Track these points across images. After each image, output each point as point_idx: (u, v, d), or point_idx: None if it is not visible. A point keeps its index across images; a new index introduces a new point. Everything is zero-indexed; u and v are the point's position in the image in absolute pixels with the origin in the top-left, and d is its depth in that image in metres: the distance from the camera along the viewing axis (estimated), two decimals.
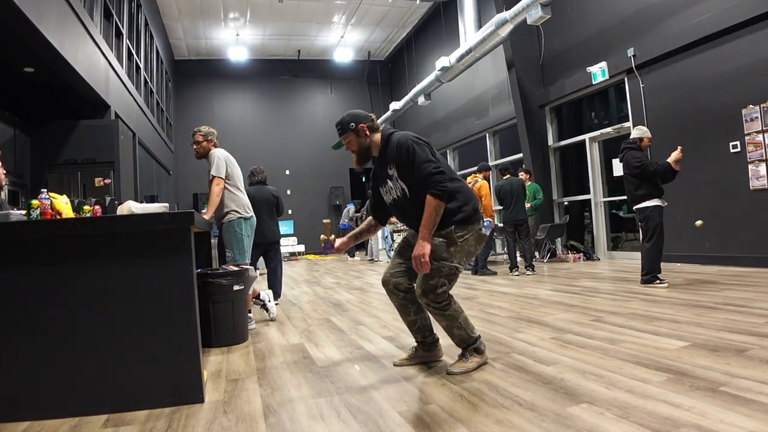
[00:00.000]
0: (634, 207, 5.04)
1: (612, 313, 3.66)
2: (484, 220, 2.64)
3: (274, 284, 5.43)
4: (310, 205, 16.08)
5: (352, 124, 2.56)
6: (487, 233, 2.67)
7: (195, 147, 4.06)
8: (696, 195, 6.17)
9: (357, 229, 2.93)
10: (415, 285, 2.55)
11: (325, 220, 3.20)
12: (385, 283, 2.67)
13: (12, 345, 2.18)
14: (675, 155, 4.81)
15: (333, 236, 3.08)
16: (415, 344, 2.77)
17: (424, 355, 2.73)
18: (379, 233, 11.32)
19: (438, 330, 2.68)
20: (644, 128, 5.16)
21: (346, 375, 2.59)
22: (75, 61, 5.81)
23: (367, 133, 2.58)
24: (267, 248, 5.37)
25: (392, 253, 11.67)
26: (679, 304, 3.85)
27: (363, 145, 2.58)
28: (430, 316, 2.59)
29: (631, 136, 5.13)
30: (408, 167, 2.44)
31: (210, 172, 3.93)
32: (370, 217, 2.90)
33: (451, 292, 2.52)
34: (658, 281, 4.71)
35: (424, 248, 2.36)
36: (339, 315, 4.48)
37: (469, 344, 2.54)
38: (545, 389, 2.15)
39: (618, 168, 7.83)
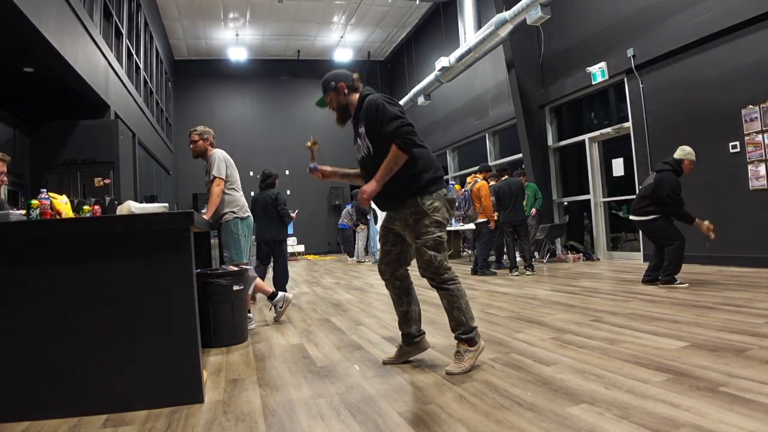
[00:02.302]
0: (635, 218, 4.99)
1: (611, 314, 3.66)
2: (448, 185, 2.70)
3: (277, 282, 5.62)
4: (310, 205, 16.06)
5: (333, 82, 2.68)
6: (453, 195, 2.76)
7: (191, 146, 4.07)
8: (696, 195, 6.17)
9: (347, 170, 2.96)
10: (402, 270, 2.71)
11: (308, 144, 3.10)
12: (382, 273, 2.76)
13: (12, 345, 2.18)
14: (706, 227, 4.72)
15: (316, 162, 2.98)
16: (400, 342, 2.79)
17: (409, 350, 2.76)
18: (364, 233, 11.26)
19: (431, 331, 2.69)
20: (687, 149, 4.91)
21: (346, 375, 2.59)
22: (75, 61, 5.81)
23: (346, 91, 2.68)
24: (268, 246, 5.66)
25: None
26: (679, 304, 3.85)
27: (341, 103, 2.70)
28: (439, 299, 2.62)
29: (675, 156, 4.91)
30: (376, 124, 2.51)
31: (210, 173, 3.93)
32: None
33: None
34: (677, 282, 4.68)
35: (369, 186, 2.50)
36: (339, 315, 4.48)
37: (465, 331, 2.53)
38: (545, 389, 2.15)
39: (618, 167, 7.85)
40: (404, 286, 2.73)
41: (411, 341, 2.75)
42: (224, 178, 3.93)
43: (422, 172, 2.54)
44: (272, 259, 5.76)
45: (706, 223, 4.76)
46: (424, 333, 2.79)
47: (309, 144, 2.88)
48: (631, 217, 5.05)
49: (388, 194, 2.54)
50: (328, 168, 2.85)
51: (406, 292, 2.74)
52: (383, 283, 2.77)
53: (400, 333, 2.78)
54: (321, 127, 16.36)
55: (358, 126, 2.65)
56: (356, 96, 2.69)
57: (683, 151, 4.91)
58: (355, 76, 2.71)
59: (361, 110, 2.63)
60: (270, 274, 5.93)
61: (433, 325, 3.57)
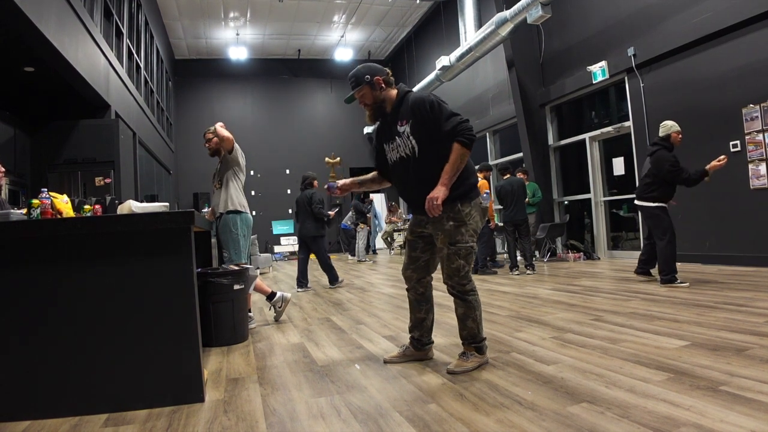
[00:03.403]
0: (639, 203, 5.00)
1: (612, 313, 3.66)
2: (482, 194, 2.67)
3: (326, 271, 6.63)
4: None
5: (368, 76, 2.53)
6: (486, 204, 2.72)
7: (207, 144, 4.12)
8: (696, 194, 6.16)
9: (362, 177, 2.86)
10: (428, 277, 2.69)
11: (329, 159, 3.19)
12: (408, 279, 2.72)
13: (12, 345, 2.18)
14: (714, 165, 4.72)
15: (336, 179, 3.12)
16: (407, 342, 2.79)
17: (415, 354, 2.75)
18: (364, 233, 11.28)
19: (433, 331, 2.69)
20: (669, 123, 5.00)
21: (347, 374, 2.59)
22: (75, 60, 5.81)
23: (383, 86, 2.56)
24: (306, 241, 6.69)
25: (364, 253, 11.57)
26: (679, 303, 3.85)
27: (378, 99, 2.56)
28: (454, 307, 2.60)
29: (660, 134, 4.99)
30: (429, 122, 2.43)
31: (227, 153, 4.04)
32: (374, 172, 2.87)
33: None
34: (678, 281, 4.69)
35: (440, 192, 2.37)
36: (339, 314, 4.48)
37: (475, 342, 2.55)
38: (545, 388, 2.15)
39: (619, 167, 7.85)
40: (427, 294, 2.71)
41: (421, 347, 2.74)
42: (240, 154, 4.05)
43: (465, 178, 2.48)
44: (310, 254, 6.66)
45: (716, 162, 4.74)
46: (432, 342, 2.79)
47: (332, 160, 2.82)
48: (636, 202, 5.05)
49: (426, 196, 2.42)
50: (346, 181, 2.76)
51: (426, 300, 2.71)
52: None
53: (401, 332, 2.78)
54: (321, 126, 16.45)
55: (397, 124, 2.52)
56: (393, 92, 2.58)
57: (665, 127, 4.97)
58: (389, 71, 2.61)
59: (402, 106, 2.53)
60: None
61: (435, 324, 3.56)
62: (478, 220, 2.55)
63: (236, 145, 4.07)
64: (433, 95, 2.51)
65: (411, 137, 2.48)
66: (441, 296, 2.95)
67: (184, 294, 2.29)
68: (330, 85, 16.51)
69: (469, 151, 2.40)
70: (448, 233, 2.46)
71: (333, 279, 6.63)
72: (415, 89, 12.44)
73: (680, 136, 4.96)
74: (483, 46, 9.19)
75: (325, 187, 2.74)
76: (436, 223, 2.50)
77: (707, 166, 4.73)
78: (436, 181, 2.41)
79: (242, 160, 4.15)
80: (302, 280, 6.57)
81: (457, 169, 2.39)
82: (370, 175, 2.87)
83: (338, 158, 3.39)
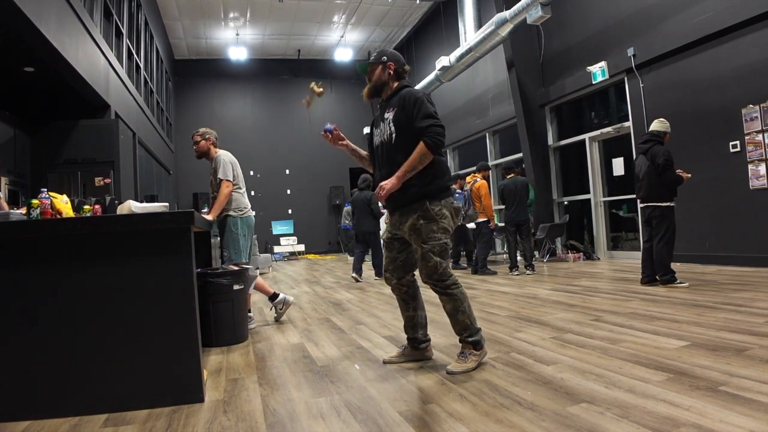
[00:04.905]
0: (649, 203, 4.92)
1: (612, 313, 3.67)
2: (456, 192, 2.73)
3: (375, 265, 7.34)
4: (310, 204, 16.08)
5: (385, 57, 2.68)
6: (460, 205, 2.76)
7: (194, 147, 4.11)
8: (696, 195, 6.17)
9: (358, 149, 2.92)
10: (408, 277, 2.71)
11: (316, 87, 2.96)
12: (387, 280, 2.76)
13: (12, 345, 2.18)
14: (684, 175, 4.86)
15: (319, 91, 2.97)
16: (407, 342, 2.80)
17: (414, 354, 2.76)
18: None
19: (431, 330, 2.69)
20: (667, 122, 5.05)
21: (346, 374, 2.60)
22: (75, 60, 5.81)
23: (390, 73, 2.68)
24: (364, 237, 7.32)
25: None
26: (679, 303, 3.85)
27: (380, 80, 2.69)
28: (441, 304, 2.61)
29: (656, 129, 4.98)
30: (408, 114, 2.52)
31: (217, 176, 3.94)
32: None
33: None
34: (677, 281, 4.69)
35: (389, 182, 2.48)
36: (339, 314, 4.48)
37: (471, 334, 2.55)
38: (545, 389, 2.15)
39: (618, 167, 7.84)
40: (411, 292, 2.74)
41: (417, 346, 2.76)
42: (232, 180, 3.95)
43: (436, 178, 2.54)
44: (369, 248, 7.36)
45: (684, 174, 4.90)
46: (429, 340, 2.80)
47: (318, 89, 2.90)
48: (649, 204, 4.96)
49: (399, 192, 2.52)
50: (345, 139, 2.83)
51: (412, 298, 2.74)
52: (384, 282, 2.78)
53: (401, 332, 2.79)
54: (321, 126, 16.41)
55: (386, 111, 2.66)
56: (396, 84, 2.70)
57: (665, 125, 5.01)
58: (407, 68, 2.75)
59: (395, 97, 2.65)
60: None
61: (434, 324, 3.56)
62: (450, 219, 2.59)
63: (231, 176, 4.00)
64: (426, 95, 2.58)
65: (392, 124, 2.59)
66: (436, 296, 2.95)
67: (184, 294, 2.29)
68: (330, 85, 16.50)
69: (432, 153, 2.46)
70: (419, 232, 2.51)
71: (380, 272, 7.03)
72: (417, 87, 12.44)
73: (669, 138, 5.04)
74: (483, 46, 9.19)
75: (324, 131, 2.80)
76: (409, 224, 2.54)
77: (682, 174, 4.84)
78: (408, 178, 2.50)
79: (240, 177, 4.13)
80: (358, 271, 7.18)
81: (413, 167, 2.46)
82: (364, 152, 2.95)
83: (321, 89, 3.30)
